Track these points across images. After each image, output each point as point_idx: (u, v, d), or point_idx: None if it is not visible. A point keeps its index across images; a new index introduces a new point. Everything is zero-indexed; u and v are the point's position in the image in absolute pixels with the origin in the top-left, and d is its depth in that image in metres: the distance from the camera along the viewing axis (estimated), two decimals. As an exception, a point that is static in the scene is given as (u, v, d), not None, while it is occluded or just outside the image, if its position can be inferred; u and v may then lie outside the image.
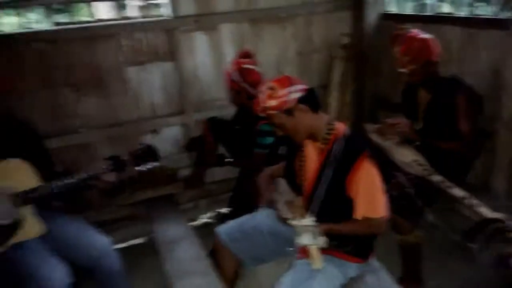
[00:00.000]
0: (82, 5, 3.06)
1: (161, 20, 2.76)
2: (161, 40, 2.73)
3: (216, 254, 1.97)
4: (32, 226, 1.71)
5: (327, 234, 1.47)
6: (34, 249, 1.71)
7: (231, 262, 1.91)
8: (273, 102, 1.47)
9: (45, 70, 2.49)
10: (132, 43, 2.67)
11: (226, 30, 2.87)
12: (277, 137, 1.72)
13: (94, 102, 2.66)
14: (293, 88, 1.47)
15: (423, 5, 2.99)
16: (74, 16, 2.94)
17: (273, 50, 3.05)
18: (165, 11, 2.78)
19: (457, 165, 2.08)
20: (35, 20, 2.60)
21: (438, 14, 2.80)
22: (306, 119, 1.50)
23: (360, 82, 3.33)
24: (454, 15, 2.67)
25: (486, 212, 1.68)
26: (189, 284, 1.86)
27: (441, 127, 2.07)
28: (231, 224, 1.92)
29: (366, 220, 1.48)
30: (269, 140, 2.27)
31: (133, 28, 2.67)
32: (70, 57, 2.52)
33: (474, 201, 1.76)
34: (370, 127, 2.39)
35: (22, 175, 1.72)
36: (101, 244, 1.89)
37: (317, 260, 1.43)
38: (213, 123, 2.64)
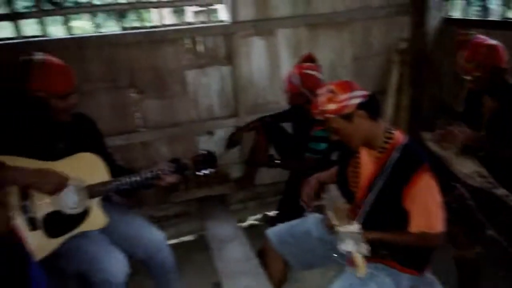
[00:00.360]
0: (141, 10, 3.18)
1: (220, 25, 2.83)
2: (219, 44, 2.80)
3: (263, 255, 1.99)
4: (97, 218, 1.79)
5: (378, 242, 1.45)
6: (97, 240, 1.78)
7: (279, 264, 1.92)
8: (332, 106, 1.45)
9: (112, 72, 2.62)
10: (193, 47, 2.76)
11: (283, 35, 2.90)
12: (331, 143, 1.71)
13: (155, 103, 2.77)
14: (354, 93, 1.45)
15: (486, 10, 2.84)
16: (133, 22, 3.07)
17: (329, 55, 3.03)
18: (224, 17, 2.86)
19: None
20: (101, 25, 2.74)
21: (505, 19, 2.65)
22: (364, 125, 1.47)
23: (418, 88, 3.22)
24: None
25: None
26: (239, 283, 1.89)
27: (508, 137, 1.95)
28: (281, 226, 1.93)
29: (421, 234, 1.44)
30: (322, 146, 2.26)
31: (194, 32, 2.76)
32: (135, 60, 2.64)
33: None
34: (428, 135, 2.30)
35: (93, 169, 1.80)
36: (157, 239, 1.96)
37: (361, 268, 1.40)
38: (265, 123, 2.67)
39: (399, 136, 1.51)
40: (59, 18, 2.64)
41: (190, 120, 2.89)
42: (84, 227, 1.76)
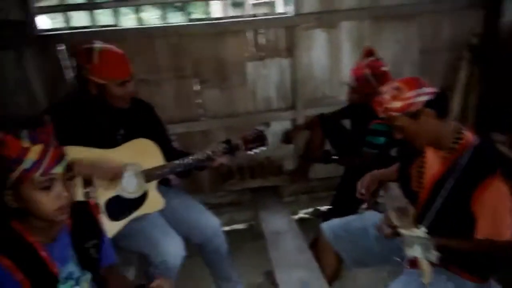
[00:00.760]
0: (198, 3, 3.19)
1: (283, 17, 2.82)
2: (281, 36, 2.80)
3: (316, 249, 1.98)
4: (154, 201, 1.84)
5: (441, 248, 1.39)
6: (155, 222, 1.84)
7: (332, 259, 1.90)
8: (397, 104, 1.40)
9: (177, 62, 2.72)
10: (255, 39, 2.78)
11: (346, 28, 2.84)
12: (390, 137, 1.65)
13: (216, 93, 2.84)
14: (421, 90, 1.39)
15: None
16: (192, 15, 3.11)
17: (393, 49, 2.92)
18: (282, 9, 2.84)
19: None
20: (165, 17, 2.83)
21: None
22: (432, 125, 1.41)
23: (489, 86, 3.02)
24: None
25: None
26: (293, 274, 1.91)
27: None
28: (337, 221, 1.91)
29: (489, 241, 1.36)
30: (381, 140, 2.17)
31: (257, 25, 2.79)
32: (199, 51, 2.71)
33: None
34: (500, 137, 2.17)
35: (150, 154, 1.85)
36: (214, 224, 2.02)
37: (428, 274, 1.35)
38: (323, 119, 2.64)
39: (470, 137, 1.43)
40: (129, 9, 2.78)
41: (248, 111, 2.94)
42: (143, 209, 1.82)
